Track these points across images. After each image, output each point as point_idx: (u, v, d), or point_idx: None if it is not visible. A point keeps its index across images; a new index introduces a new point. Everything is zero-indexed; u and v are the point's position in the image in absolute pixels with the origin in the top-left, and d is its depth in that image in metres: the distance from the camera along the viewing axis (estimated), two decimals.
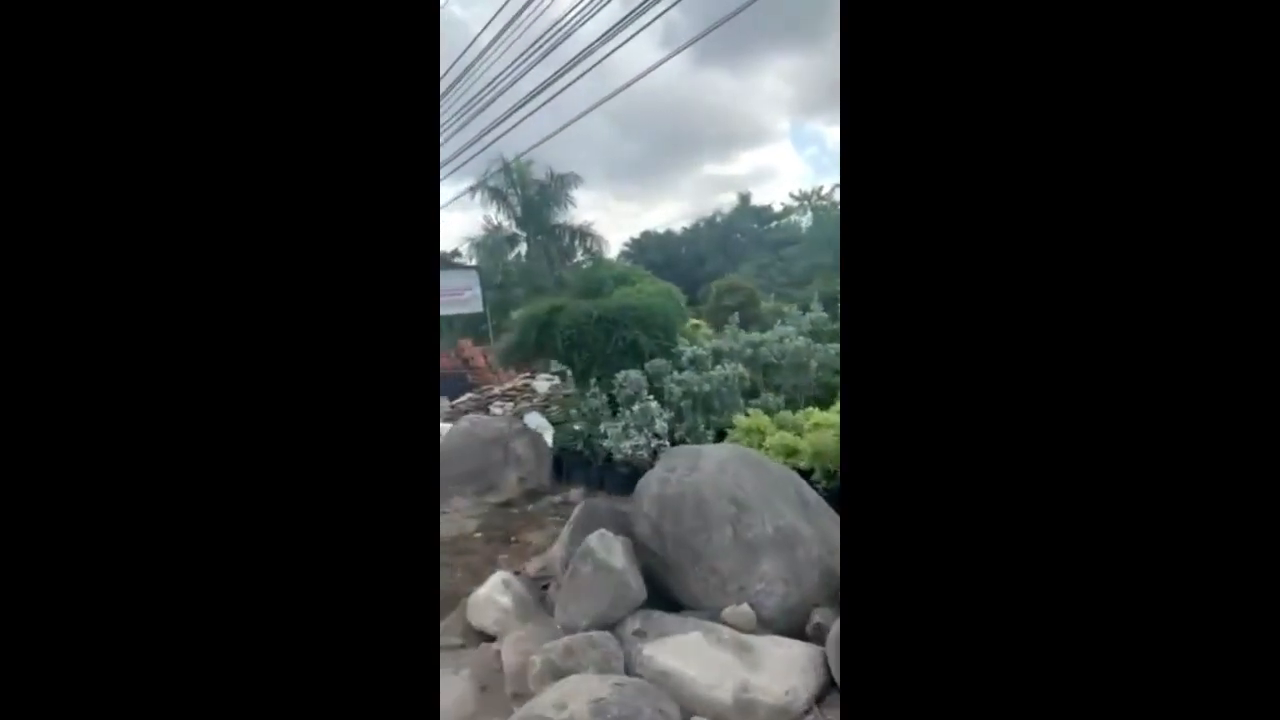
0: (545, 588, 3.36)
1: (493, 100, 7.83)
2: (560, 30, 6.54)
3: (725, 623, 2.54)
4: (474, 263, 25.68)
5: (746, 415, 5.08)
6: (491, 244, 23.26)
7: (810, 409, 5.03)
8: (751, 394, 5.79)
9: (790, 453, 4.36)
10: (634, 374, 5.48)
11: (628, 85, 6.83)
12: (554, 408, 9.60)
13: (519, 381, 9.74)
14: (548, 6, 6.87)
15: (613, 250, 25.18)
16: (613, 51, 6.11)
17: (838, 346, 5.67)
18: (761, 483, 2.99)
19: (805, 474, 3.90)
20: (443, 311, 13.07)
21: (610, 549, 2.68)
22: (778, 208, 34.48)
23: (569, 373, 13.17)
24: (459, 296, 13.19)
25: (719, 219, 35.08)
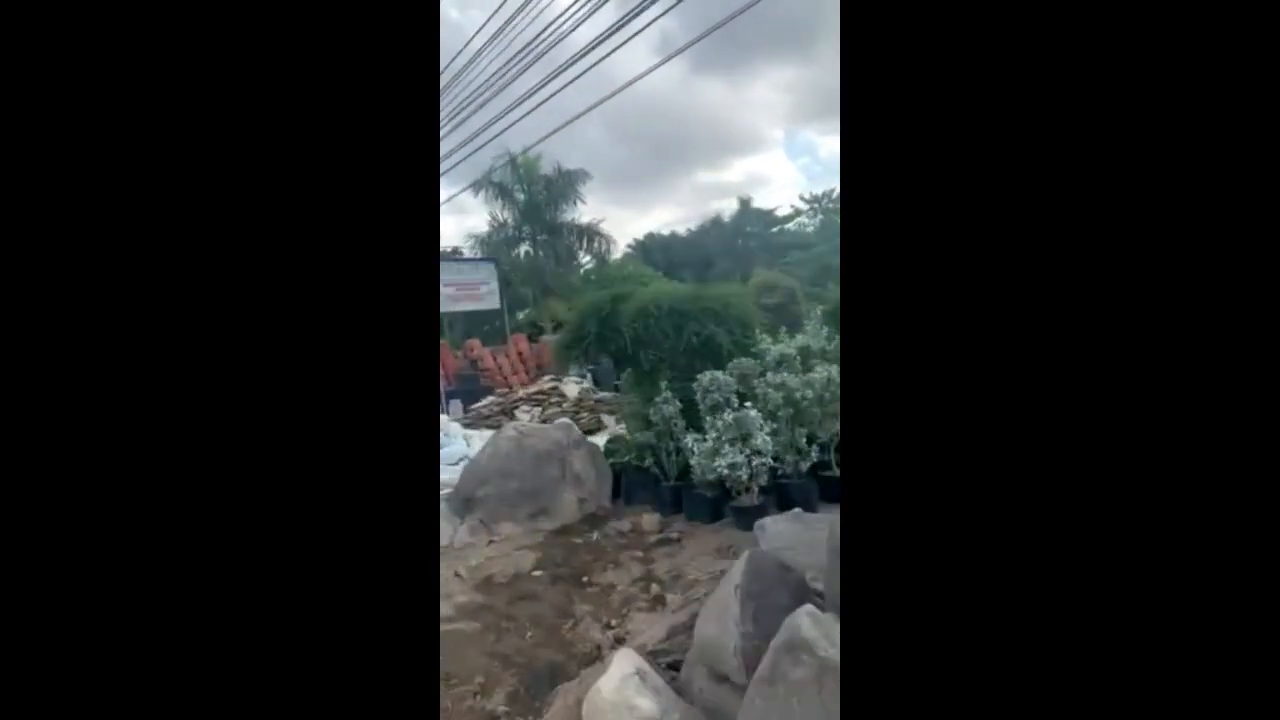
0: (675, 671, 2.41)
1: (486, 102, 7.79)
2: (554, 34, 6.52)
3: None
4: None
5: None
6: (496, 241, 22.31)
7: None
8: None
9: None
10: (721, 375, 4.54)
11: (623, 88, 6.83)
12: (584, 414, 8.66)
13: (545, 384, 8.78)
14: (545, 8, 6.99)
15: (616, 252, 24.28)
16: (607, 56, 6.05)
17: None
18: None
19: None
20: (457, 308, 12.00)
21: (835, 639, 1.74)
22: (782, 212, 33.76)
23: (592, 375, 12.31)
24: (475, 291, 12.16)
25: (725, 221, 34.36)
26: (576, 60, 6.52)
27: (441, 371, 14.24)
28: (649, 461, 4.90)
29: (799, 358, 5.03)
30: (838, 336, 5.41)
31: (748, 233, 35.04)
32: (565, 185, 21.85)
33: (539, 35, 6.71)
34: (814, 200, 31.82)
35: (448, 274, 11.64)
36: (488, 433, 7.08)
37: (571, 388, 8.75)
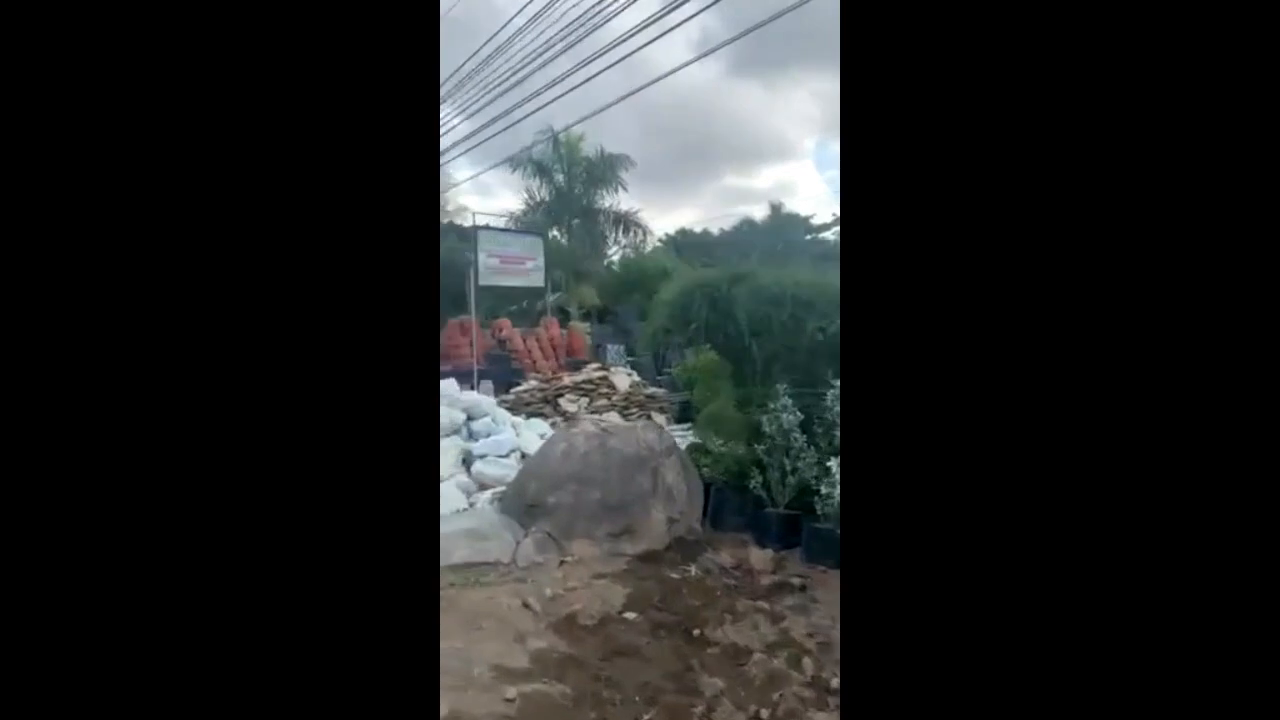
0: None
1: (518, 84, 7.66)
2: (593, 19, 6.28)
3: None
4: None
5: None
6: (529, 220, 21.45)
7: None
8: None
9: None
10: None
11: (658, 80, 6.79)
12: (633, 409, 7.79)
13: (593, 373, 7.90)
14: None
15: (649, 244, 23.33)
16: (644, 46, 5.93)
17: None
18: None
19: None
20: (501, 282, 11.06)
21: None
22: (818, 219, 32.81)
23: (631, 367, 11.44)
24: (520, 266, 11.20)
25: (760, 223, 33.47)
26: (613, 48, 6.36)
27: (471, 349, 13.42)
28: (754, 482, 4.01)
29: None
30: None
31: (785, 238, 34.14)
32: (606, 169, 20.96)
33: (577, 19, 6.53)
34: None
35: (492, 245, 10.72)
36: (538, 422, 6.22)
37: (621, 379, 7.87)
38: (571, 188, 20.86)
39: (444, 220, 23.28)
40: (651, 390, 8.17)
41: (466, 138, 9.77)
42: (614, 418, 7.42)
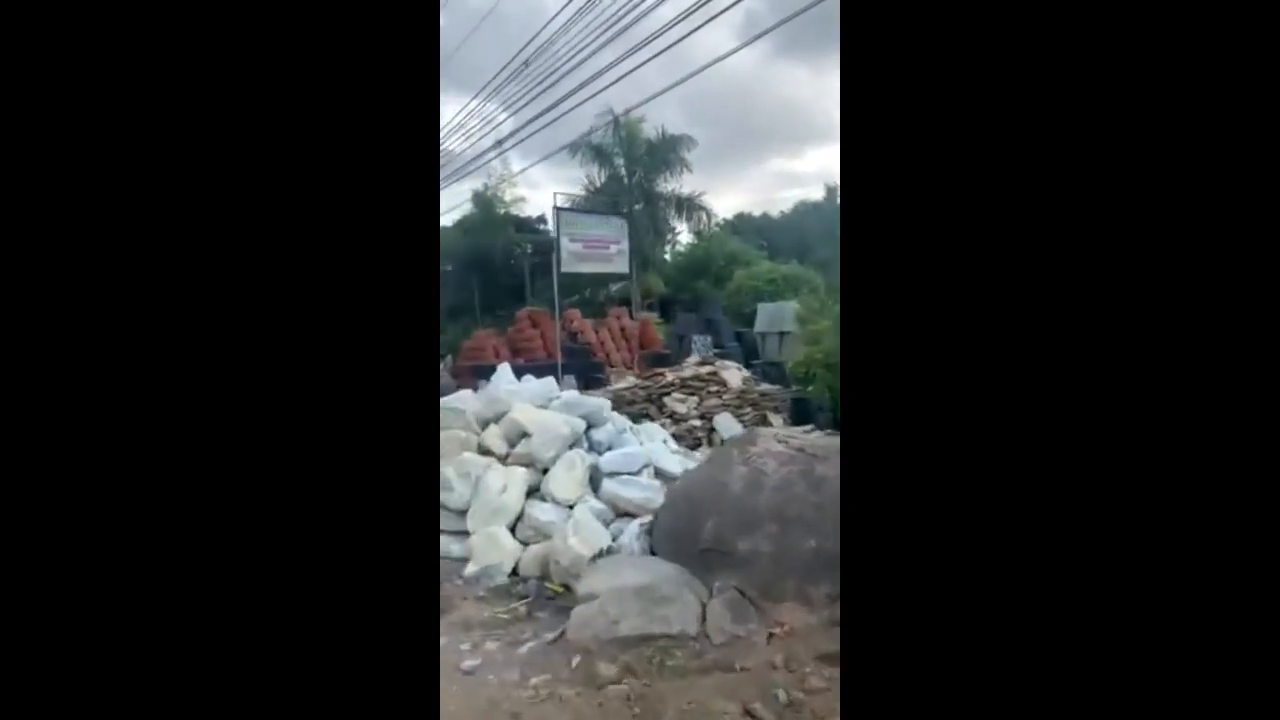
0: None
1: (564, 76, 7.57)
2: (635, 7, 6.19)
3: None
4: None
5: None
6: (590, 207, 20.61)
7: None
8: None
9: None
10: None
11: (704, 68, 6.64)
12: (746, 409, 6.84)
13: (700, 368, 6.95)
14: None
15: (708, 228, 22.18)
16: (690, 34, 5.85)
17: None
18: None
19: None
20: (584, 268, 10.14)
21: None
22: None
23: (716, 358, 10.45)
24: (604, 251, 10.25)
25: (821, 205, 32.02)
26: (658, 36, 6.27)
27: (543, 342, 12.63)
28: None
29: None
30: None
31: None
32: (668, 150, 19.92)
33: (620, 10, 6.42)
34: None
35: (574, 228, 9.81)
36: (654, 427, 5.30)
37: (733, 375, 6.91)
38: (632, 171, 19.92)
39: (500, 211, 22.69)
40: (765, 388, 7.19)
41: (513, 133, 9.61)
42: (728, 420, 6.48)
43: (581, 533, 3.29)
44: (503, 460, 4.11)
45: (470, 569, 3.42)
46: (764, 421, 6.80)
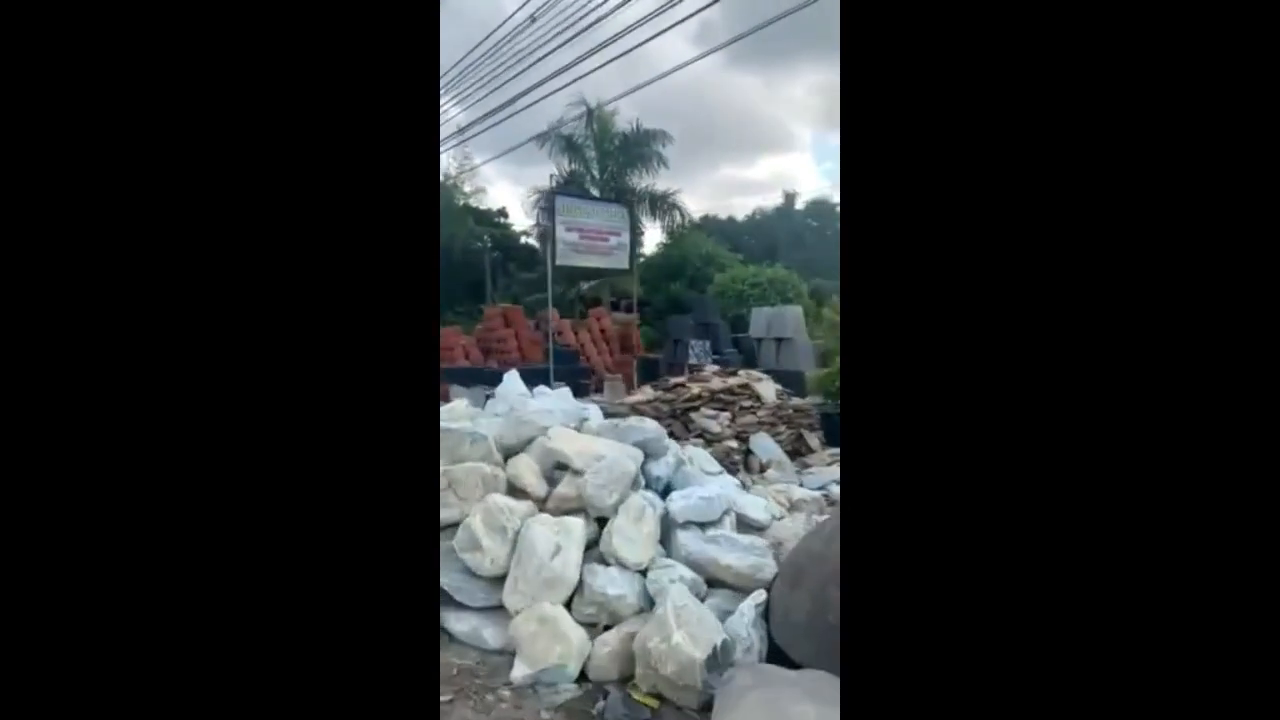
0: None
1: (516, 76, 7.46)
2: (592, 11, 6.11)
3: None
4: (532, 222, 21.88)
5: None
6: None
7: None
8: None
9: None
10: None
11: (662, 77, 7.24)
12: (781, 426, 5.97)
13: (727, 378, 6.04)
14: None
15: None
16: (646, 41, 6.13)
17: None
18: None
19: None
20: (580, 261, 9.00)
21: None
22: None
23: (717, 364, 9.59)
24: (603, 243, 9.14)
25: (792, 209, 31.78)
26: (613, 42, 6.26)
27: (516, 343, 11.50)
28: None
29: None
30: None
31: (809, 225, 32.49)
32: (642, 145, 19.04)
33: (576, 13, 6.38)
34: None
35: (571, 215, 8.72)
36: (699, 453, 4.34)
37: (767, 387, 6.03)
38: (604, 165, 18.96)
39: (459, 202, 21.35)
40: (797, 401, 6.34)
41: (474, 123, 9.17)
42: (765, 441, 5.58)
43: (686, 623, 2.32)
44: (541, 504, 3.11)
45: (519, 671, 2.41)
46: (802, 442, 5.94)
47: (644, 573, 2.80)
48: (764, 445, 5.48)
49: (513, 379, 4.65)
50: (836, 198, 32.28)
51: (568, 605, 2.66)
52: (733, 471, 4.97)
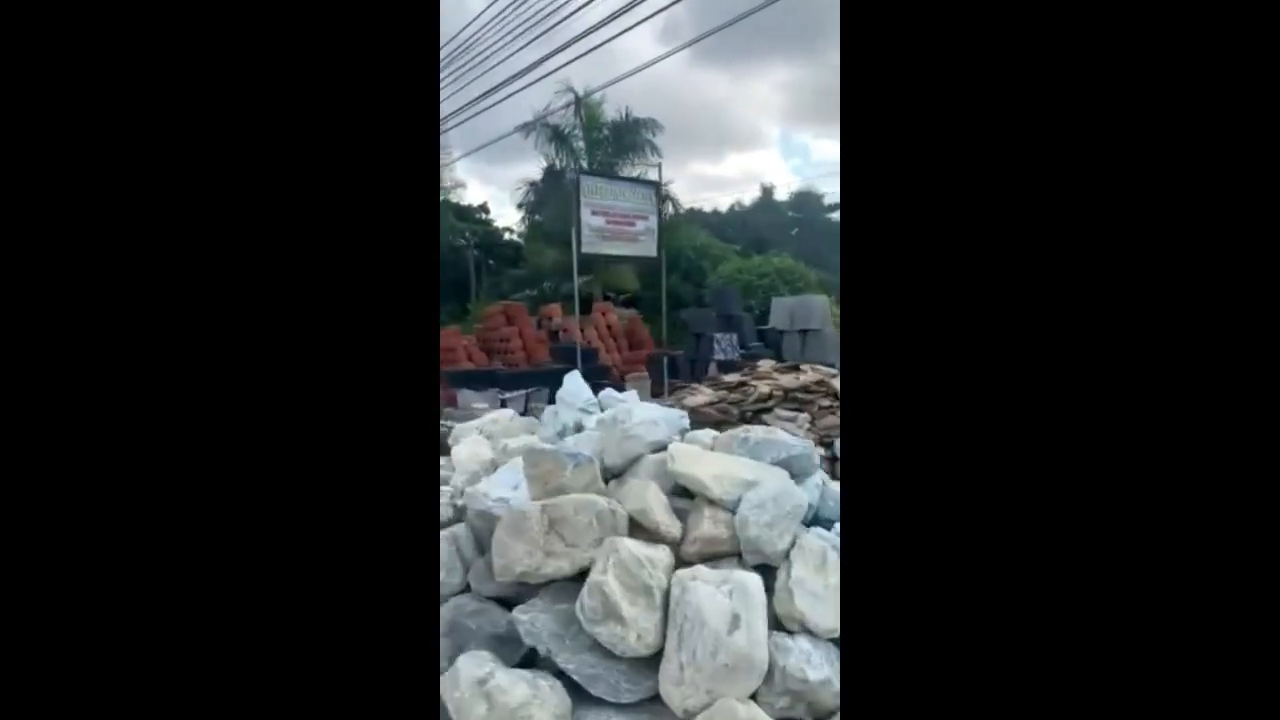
0: None
1: (485, 73, 6.71)
2: (558, 9, 5.82)
3: None
4: (521, 217, 20.96)
5: None
6: (546, 191, 18.69)
7: None
8: None
9: None
10: None
11: (630, 74, 7.69)
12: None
13: (802, 376, 5.33)
14: None
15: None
16: (614, 38, 6.49)
17: None
18: None
19: None
20: (607, 249, 8.09)
21: None
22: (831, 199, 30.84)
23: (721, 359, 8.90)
24: (629, 228, 8.21)
25: (778, 200, 31.35)
26: (580, 39, 6.02)
27: (520, 342, 10.66)
28: None
29: None
30: None
31: (792, 217, 32.12)
32: (633, 134, 18.34)
33: (541, 10, 6.09)
34: None
35: (596, 197, 7.84)
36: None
37: (839, 384, 5.34)
38: (593, 155, 18.22)
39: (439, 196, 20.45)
40: None
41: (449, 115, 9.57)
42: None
43: None
44: (675, 549, 2.35)
45: None
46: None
47: (836, 641, 2.07)
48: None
49: (575, 381, 3.86)
50: (820, 189, 31.92)
51: (753, 696, 1.92)
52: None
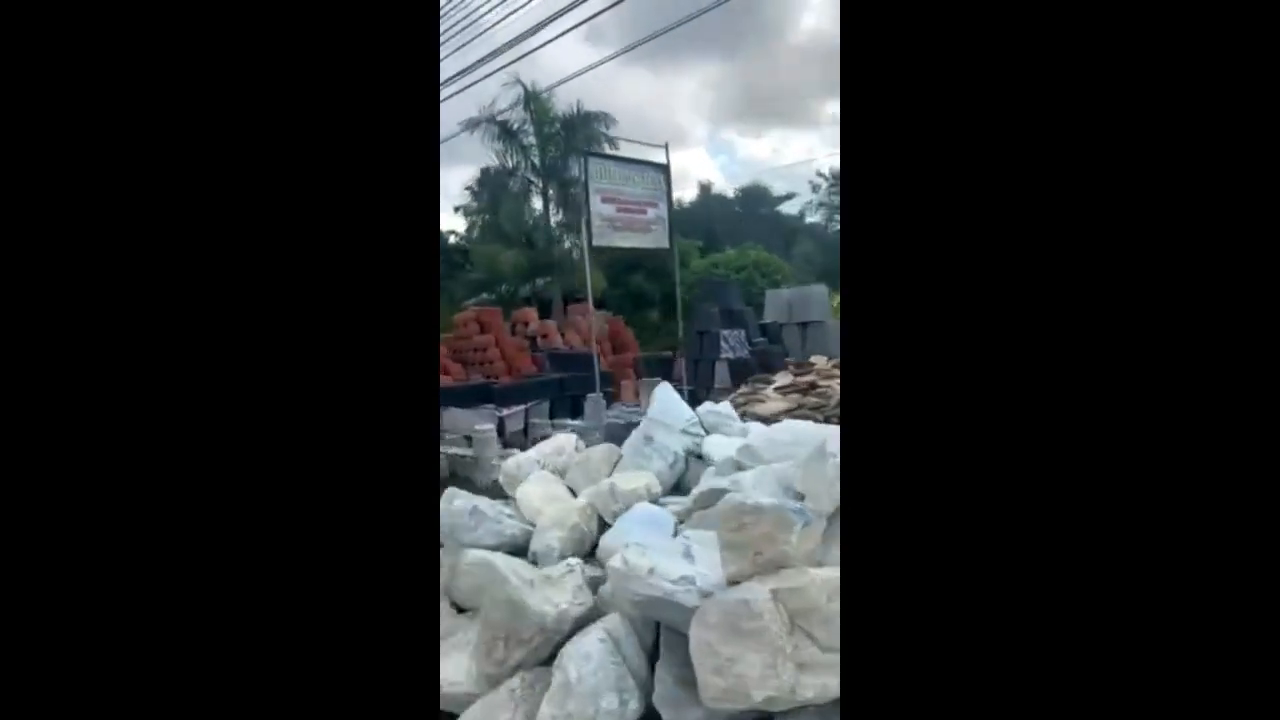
0: None
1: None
2: (481, 17, 5.10)
3: None
4: (470, 222, 19.82)
5: None
6: (496, 187, 17.67)
7: None
8: None
9: None
10: None
11: (558, 85, 7.34)
12: None
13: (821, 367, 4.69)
14: None
15: None
16: (538, 49, 6.76)
17: None
18: None
19: None
20: (617, 241, 7.12)
21: None
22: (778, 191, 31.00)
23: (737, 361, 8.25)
24: (641, 217, 7.30)
25: (727, 196, 31.14)
26: (504, 50, 6.28)
27: (498, 351, 9.70)
28: None
29: None
30: None
31: (738, 212, 31.98)
32: (586, 128, 17.52)
33: (464, 19, 6.17)
34: (835, 174, 28.90)
35: (607, 182, 6.93)
36: None
37: None
38: (545, 151, 17.33)
39: None
40: None
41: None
42: None
43: None
44: None
45: None
46: None
47: None
48: None
49: (667, 394, 3.08)
50: (765, 181, 31.91)
51: None
52: None
